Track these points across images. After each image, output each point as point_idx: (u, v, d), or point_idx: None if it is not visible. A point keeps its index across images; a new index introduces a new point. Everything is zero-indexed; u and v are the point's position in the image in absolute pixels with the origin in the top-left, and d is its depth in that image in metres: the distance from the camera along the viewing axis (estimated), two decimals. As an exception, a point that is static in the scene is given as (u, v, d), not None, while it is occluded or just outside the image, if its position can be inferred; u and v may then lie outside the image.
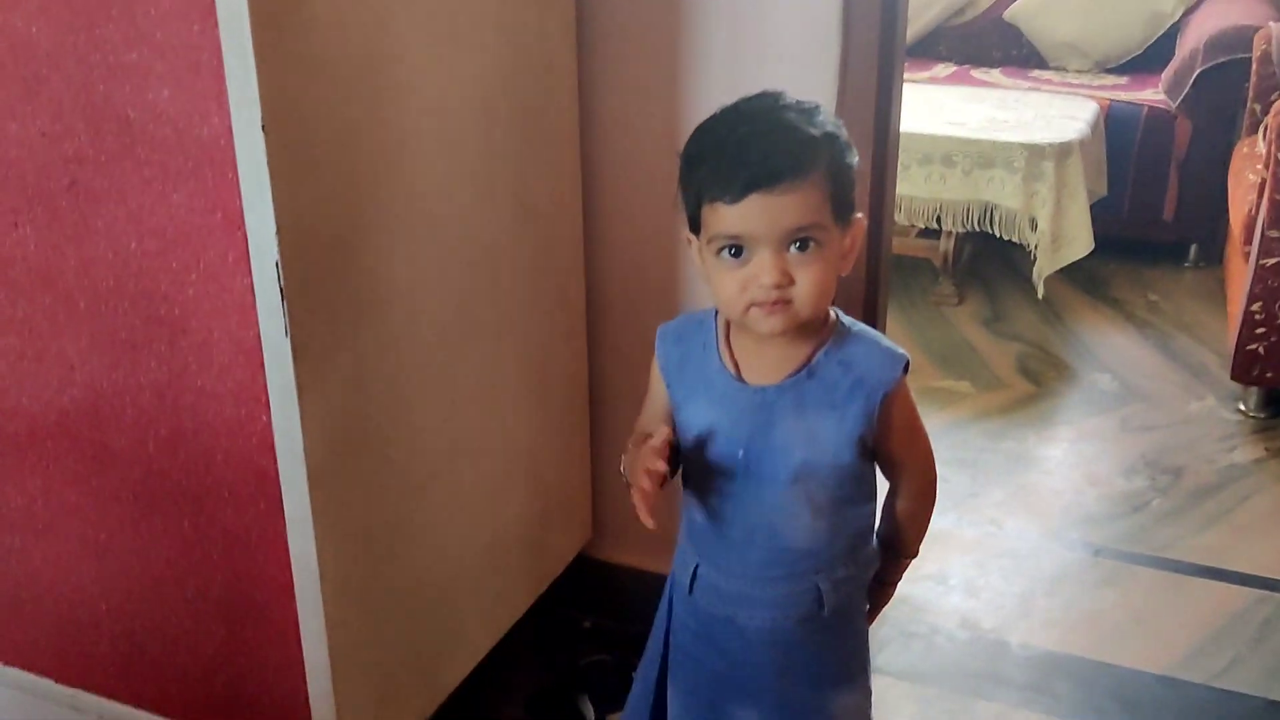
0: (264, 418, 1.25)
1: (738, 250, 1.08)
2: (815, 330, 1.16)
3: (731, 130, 1.09)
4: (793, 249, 1.07)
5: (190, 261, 1.23)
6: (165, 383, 1.30)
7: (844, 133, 1.11)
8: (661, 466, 1.10)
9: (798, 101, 1.11)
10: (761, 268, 1.07)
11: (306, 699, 1.37)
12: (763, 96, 1.12)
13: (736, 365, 1.17)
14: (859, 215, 1.13)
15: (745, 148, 1.06)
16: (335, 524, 1.30)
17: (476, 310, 1.51)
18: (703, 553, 1.23)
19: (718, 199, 1.07)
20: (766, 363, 1.16)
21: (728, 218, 1.07)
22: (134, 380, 1.32)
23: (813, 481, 1.15)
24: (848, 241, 1.12)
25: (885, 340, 1.18)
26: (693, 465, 1.20)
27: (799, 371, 1.14)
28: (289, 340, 1.19)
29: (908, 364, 1.16)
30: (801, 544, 1.17)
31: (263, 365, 1.22)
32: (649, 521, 1.09)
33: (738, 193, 1.05)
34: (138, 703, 1.50)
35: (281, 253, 1.16)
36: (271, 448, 1.26)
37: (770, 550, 1.18)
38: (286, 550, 1.30)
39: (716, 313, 1.20)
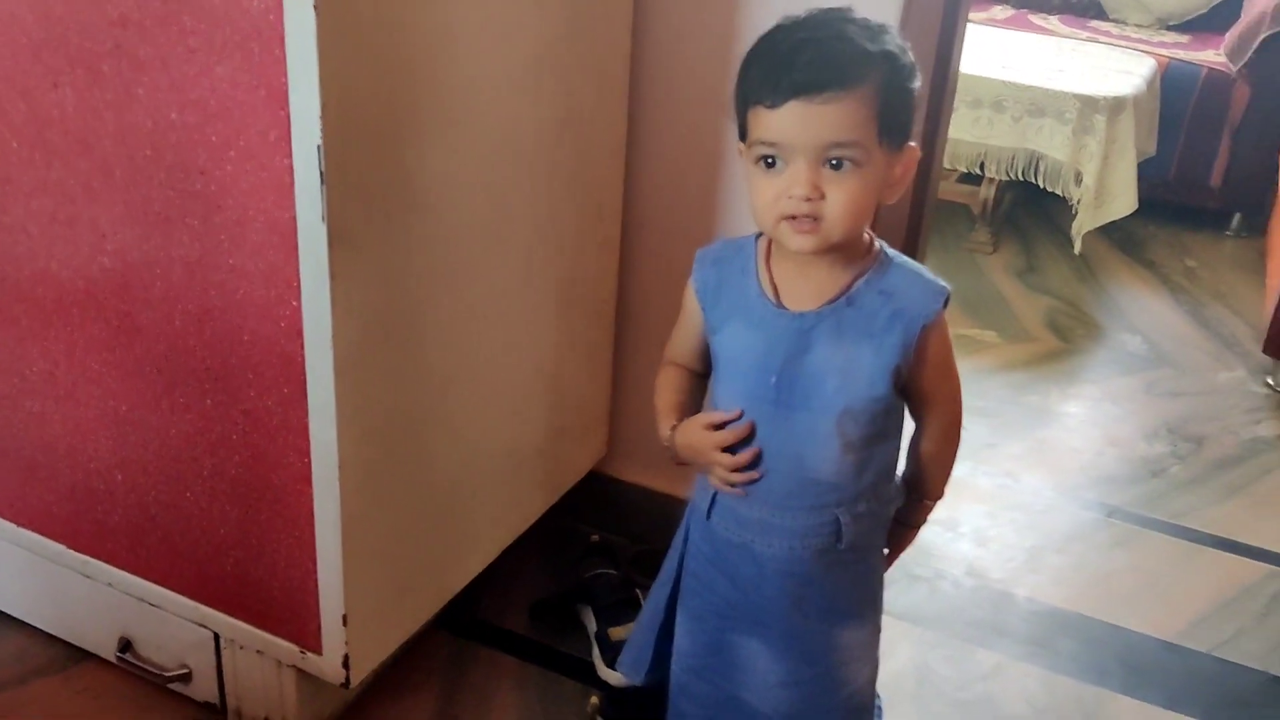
0: (294, 302, 1.23)
1: (774, 160, 1.06)
2: (857, 257, 1.14)
3: (788, 36, 1.06)
4: (829, 165, 1.05)
5: (230, 137, 1.20)
6: (196, 259, 1.28)
7: (908, 56, 1.08)
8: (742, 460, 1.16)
9: (865, 19, 1.08)
10: (795, 179, 1.05)
11: (315, 586, 1.37)
12: (830, 10, 1.08)
13: (776, 290, 1.15)
14: (913, 145, 1.10)
15: (796, 53, 1.04)
16: (358, 414, 1.29)
17: (513, 214, 1.48)
18: None
19: (760, 102, 1.06)
20: (806, 288, 1.14)
21: (767, 122, 1.05)
22: (165, 254, 1.30)
23: (844, 412, 1.14)
24: (898, 170, 1.09)
25: (927, 272, 1.16)
26: (724, 390, 1.19)
27: (838, 298, 1.12)
28: (325, 226, 1.17)
29: (949, 297, 1.14)
30: (827, 475, 1.16)
31: (296, 249, 1.21)
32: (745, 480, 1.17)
33: (780, 97, 1.04)
34: (146, 575, 1.51)
35: (324, 136, 1.14)
36: (299, 333, 1.25)
37: (795, 480, 1.17)
38: (307, 436, 1.30)
39: (757, 238, 1.18)
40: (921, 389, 1.18)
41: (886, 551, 1.29)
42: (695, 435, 1.20)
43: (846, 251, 1.13)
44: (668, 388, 1.28)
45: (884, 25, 1.08)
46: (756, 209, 1.10)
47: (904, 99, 1.07)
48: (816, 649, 1.24)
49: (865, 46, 1.04)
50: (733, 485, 1.18)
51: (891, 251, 1.16)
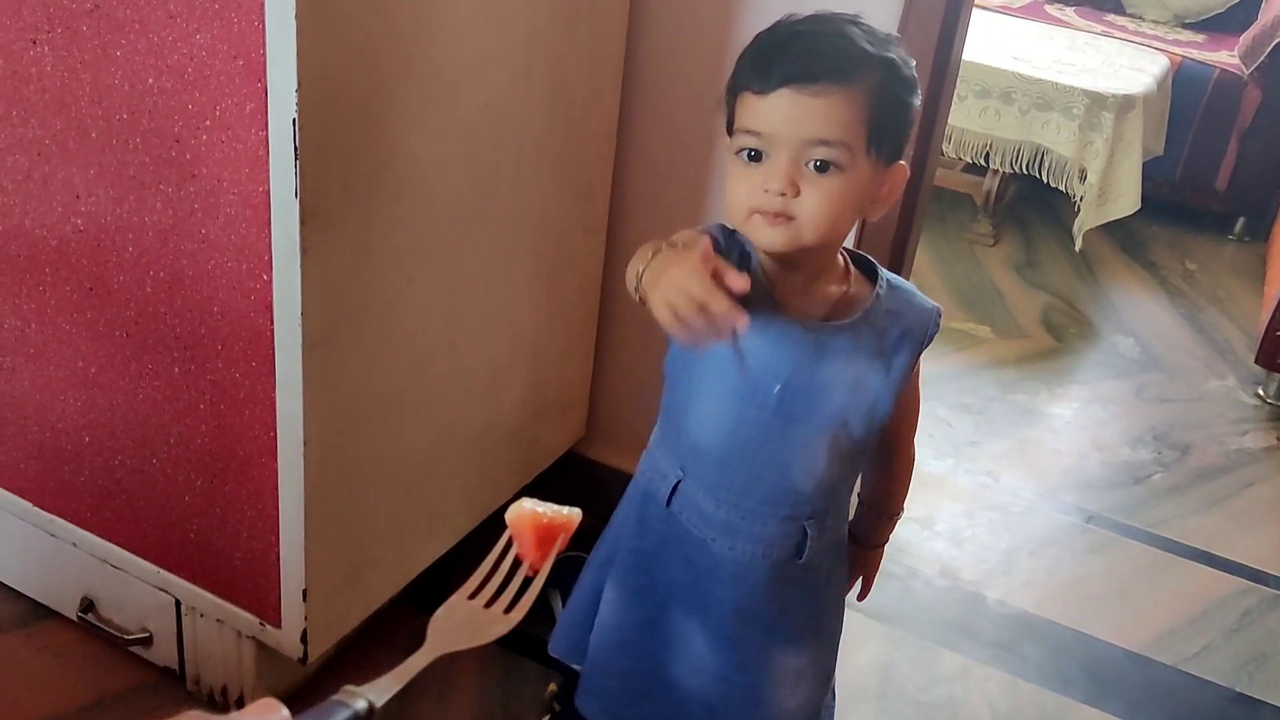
0: (265, 276, 1.22)
1: (756, 154, 1.03)
2: (834, 273, 1.11)
3: (788, 28, 1.04)
4: (811, 166, 1.01)
5: (207, 106, 1.19)
6: (170, 226, 1.27)
7: (909, 70, 1.04)
8: (744, 283, 0.93)
9: (872, 27, 1.05)
10: (772, 172, 1.01)
11: (277, 559, 1.37)
12: (837, 13, 1.06)
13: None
14: (902, 163, 1.07)
15: (791, 42, 1.01)
16: (326, 390, 1.28)
17: (496, 194, 1.47)
18: (693, 472, 1.17)
19: (749, 87, 1.03)
20: (796, 293, 1.10)
21: (754, 109, 1.02)
22: (138, 218, 1.29)
23: (843, 429, 1.11)
24: (885, 188, 1.06)
25: (917, 290, 1.15)
26: (712, 387, 1.14)
27: (856, 314, 1.10)
28: (298, 201, 1.16)
29: (941, 317, 1.14)
30: (808, 487, 1.13)
31: (269, 223, 1.19)
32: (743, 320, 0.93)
33: (769, 84, 1.00)
34: (110, 537, 1.50)
35: (300, 110, 1.12)
36: (269, 307, 1.23)
37: (775, 488, 1.13)
38: (273, 411, 1.29)
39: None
40: (904, 407, 1.17)
41: (860, 579, 1.27)
42: (688, 263, 0.96)
43: (826, 269, 1.10)
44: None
45: (891, 35, 1.05)
46: (729, 201, 1.06)
47: (899, 111, 1.04)
48: (748, 660, 1.21)
49: (865, 47, 1.01)
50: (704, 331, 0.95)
51: (883, 270, 1.14)
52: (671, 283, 0.94)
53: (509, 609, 0.84)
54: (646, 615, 1.24)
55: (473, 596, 0.83)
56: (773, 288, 1.09)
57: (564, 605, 1.71)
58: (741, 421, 1.12)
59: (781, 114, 1.00)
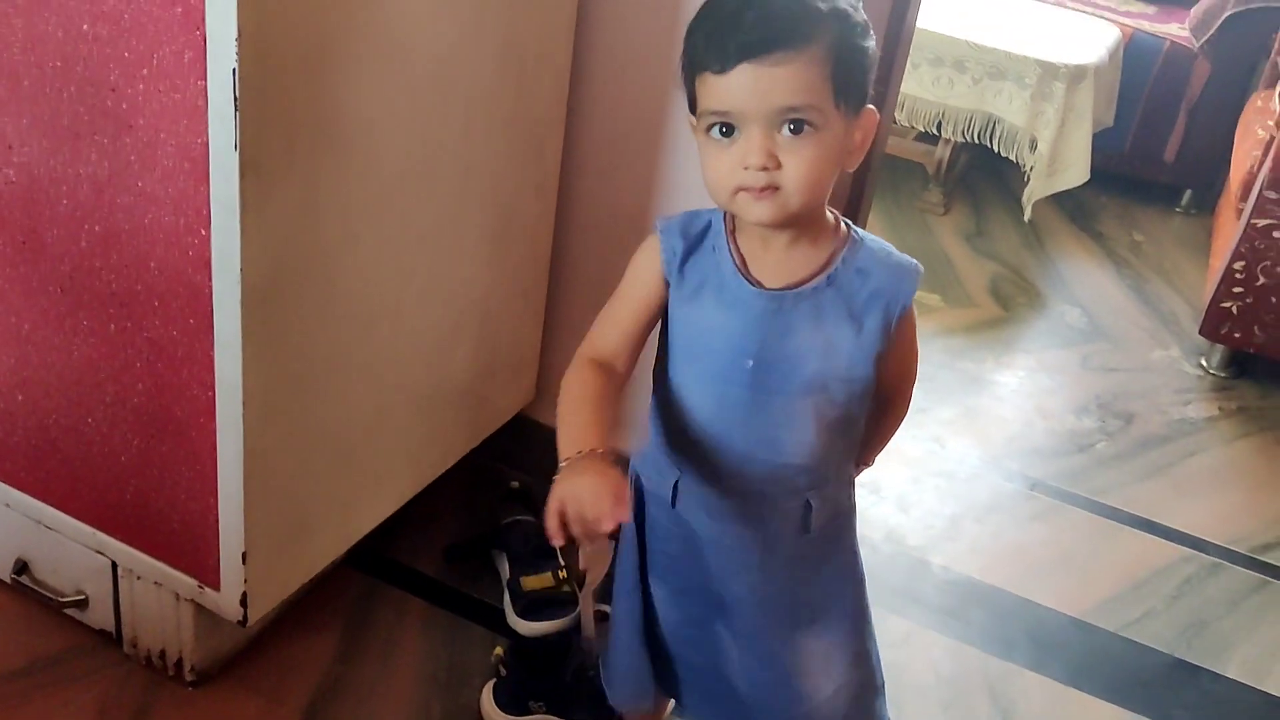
0: (203, 231, 1.19)
1: (728, 129, 1.02)
2: (823, 234, 1.10)
3: None
4: (785, 130, 1.00)
5: (144, 55, 1.15)
6: (105, 178, 1.23)
7: (860, 15, 1.03)
8: (627, 516, 0.99)
9: None
10: (749, 148, 1.00)
11: (215, 521, 1.34)
12: None
13: (746, 268, 1.10)
14: (870, 108, 1.06)
15: (741, 14, 0.99)
16: (266, 350, 1.25)
17: (445, 152, 1.44)
18: (689, 465, 1.16)
19: (708, 68, 1.01)
20: (775, 267, 1.09)
21: (716, 90, 1.01)
22: (72, 171, 1.25)
23: (822, 395, 1.10)
24: (857, 135, 1.06)
25: (895, 249, 1.13)
26: (688, 372, 1.13)
27: (817, 277, 1.08)
28: (237, 154, 1.12)
29: (920, 275, 1.12)
30: (801, 458, 1.13)
31: (207, 177, 1.16)
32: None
33: (727, 62, 0.99)
34: (45, 497, 1.47)
35: (240, 61, 1.09)
36: (208, 264, 1.20)
37: (771, 465, 1.13)
38: (212, 370, 1.26)
39: (724, 214, 1.12)
40: (890, 370, 1.15)
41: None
42: (600, 487, 1.00)
43: (812, 228, 1.09)
44: (592, 400, 1.10)
45: None
46: (710, 183, 1.05)
47: (858, 58, 1.03)
48: (772, 652, 1.20)
49: (814, 4, 1.00)
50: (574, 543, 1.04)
51: (857, 229, 1.13)
52: (573, 490, 1.01)
53: None
54: (690, 613, 1.24)
55: None
56: (743, 261, 1.09)
57: (510, 570, 1.71)
58: (723, 403, 1.11)
59: (745, 89, 0.99)
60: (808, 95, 0.99)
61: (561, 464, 1.05)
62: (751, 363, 1.08)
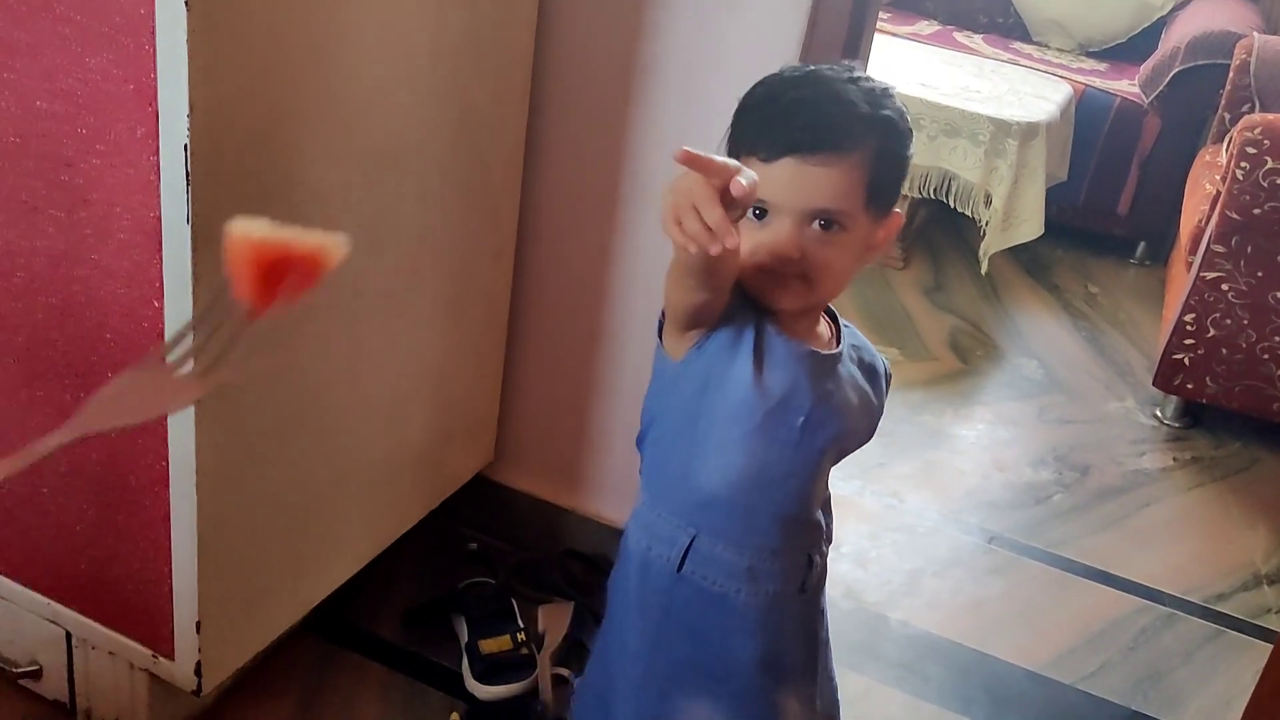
0: (156, 303, 1.20)
1: (762, 213, 1.06)
2: (821, 311, 1.17)
3: (788, 89, 1.07)
4: (816, 225, 1.05)
5: (99, 130, 1.17)
6: (61, 252, 1.24)
7: (905, 123, 1.08)
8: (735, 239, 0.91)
9: (868, 79, 1.08)
10: (778, 235, 1.04)
11: (170, 590, 1.34)
12: (835, 67, 1.09)
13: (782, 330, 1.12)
14: (898, 211, 1.11)
15: (794, 109, 1.05)
16: (219, 420, 1.26)
17: (399, 219, 1.46)
18: (709, 526, 1.13)
19: (754, 153, 1.05)
20: (801, 332, 1.13)
21: (758, 174, 1.00)
22: (29, 243, 1.26)
23: (839, 452, 1.16)
24: (880, 234, 1.10)
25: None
26: (732, 435, 1.10)
27: (835, 346, 1.15)
28: (189, 228, 1.14)
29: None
30: (811, 515, 1.16)
31: (160, 249, 1.17)
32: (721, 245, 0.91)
33: (774, 152, 1.04)
34: (2, 568, 1.46)
35: (192, 136, 1.11)
36: (161, 335, 1.21)
37: (795, 521, 1.14)
38: (165, 440, 1.26)
39: None
40: None
41: None
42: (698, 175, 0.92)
43: (819, 308, 1.16)
44: None
45: (887, 88, 1.08)
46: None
47: (896, 165, 1.08)
48: (764, 715, 1.20)
49: (864, 111, 1.05)
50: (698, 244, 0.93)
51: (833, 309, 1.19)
52: (679, 188, 0.92)
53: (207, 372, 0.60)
54: (651, 710, 1.21)
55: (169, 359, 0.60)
56: (782, 327, 1.11)
57: (468, 633, 1.71)
58: (766, 461, 1.11)
59: (785, 182, 1.04)
60: (843, 201, 1.04)
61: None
62: (802, 420, 1.10)
